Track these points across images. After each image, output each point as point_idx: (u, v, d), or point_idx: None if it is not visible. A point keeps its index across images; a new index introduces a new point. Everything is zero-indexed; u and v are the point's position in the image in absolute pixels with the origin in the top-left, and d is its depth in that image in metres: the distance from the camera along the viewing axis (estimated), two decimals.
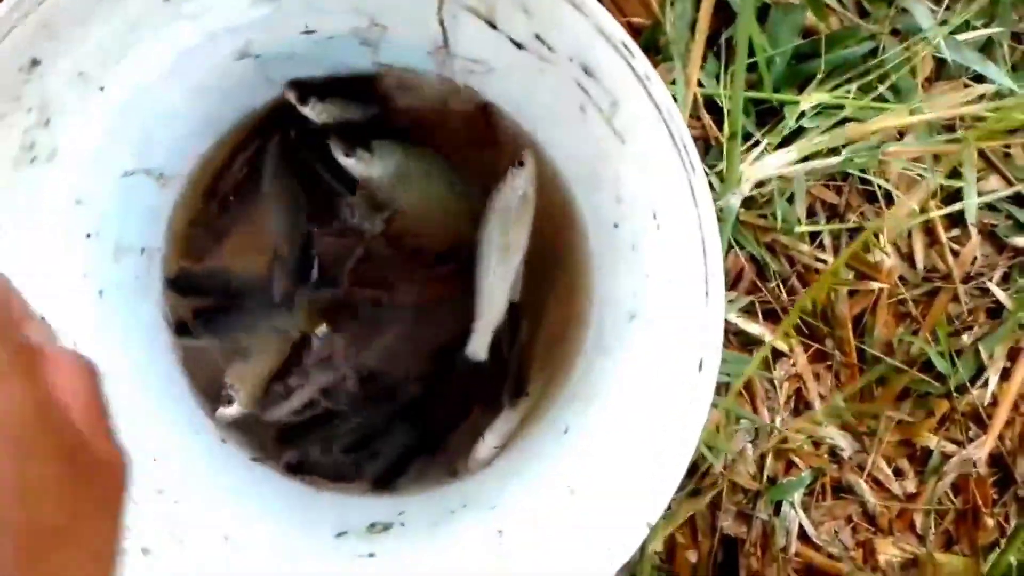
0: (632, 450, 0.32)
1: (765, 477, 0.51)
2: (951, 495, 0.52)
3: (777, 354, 0.53)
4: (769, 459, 0.52)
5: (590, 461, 0.35)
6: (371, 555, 0.38)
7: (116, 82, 0.35)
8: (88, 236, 0.38)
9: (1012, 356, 0.53)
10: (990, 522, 0.51)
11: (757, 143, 0.49)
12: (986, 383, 0.52)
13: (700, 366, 0.29)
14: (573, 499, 0.35)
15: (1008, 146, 0.54)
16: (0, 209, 0.32)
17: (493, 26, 0.35)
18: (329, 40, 0.40)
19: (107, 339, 0.39)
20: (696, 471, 0.51)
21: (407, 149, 0.45)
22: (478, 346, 0.43)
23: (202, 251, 0.46)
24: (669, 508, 0.38)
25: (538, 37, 0.33)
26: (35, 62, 0.31)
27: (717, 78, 0.50)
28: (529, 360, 0.45)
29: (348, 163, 0.43)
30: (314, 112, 0.42)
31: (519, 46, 0.35)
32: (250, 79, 0.41)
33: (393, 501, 0.43)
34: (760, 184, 0.49)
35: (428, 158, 0.46)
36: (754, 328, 0.52)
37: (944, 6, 0.51)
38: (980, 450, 0.52)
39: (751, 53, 0.48)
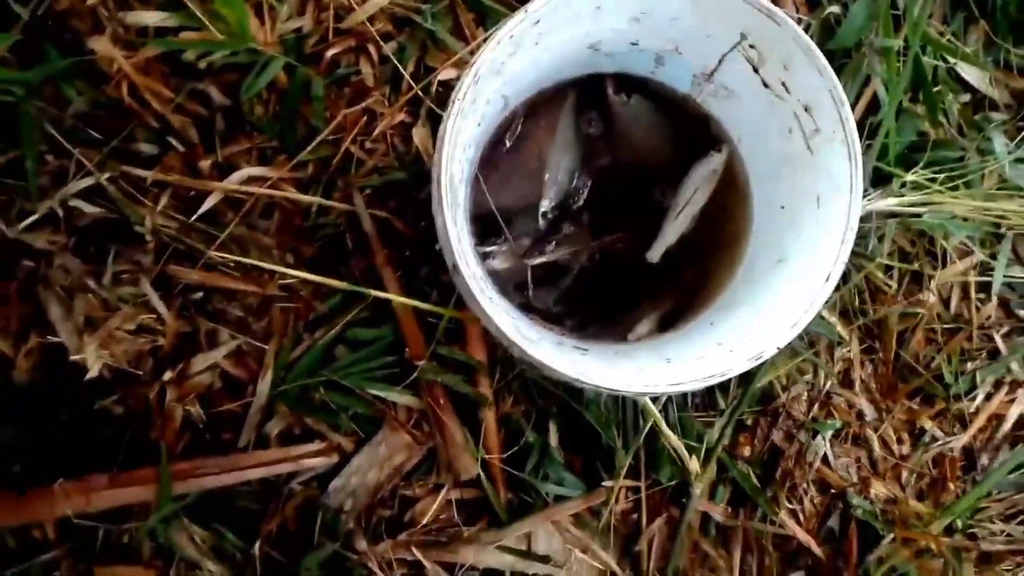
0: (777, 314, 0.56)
1: (811, 416, 0.75)
2: (930, 465, 0.76)
3: (840, 340, 0.77)
4: (816, 406, 0.76)
5: (732, 329, 0.60)
6: (584, 351, 0.62)
7: (527, 49, 0.60)
8: (479, 124, 0.63)
9: (996, 386, 0.76)
10: (952, 488, 0.75)
11: (868, 194, 0.74)
12: (974, 399, 0.76)
13: (827, 279, 0.54)
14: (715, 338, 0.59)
15: None
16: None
17: (756, 71, 0.60)
18: (640, 52, 0.66)
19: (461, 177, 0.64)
20: (768, 398, 0.75)
21: (645, 103, 0.70)
22: (656, 252, 0.68)
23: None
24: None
25: (783, 83, 0.58)
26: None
27: None
28: (688, 276, 0.69)
29: (614, 99, 0.68)
30: (617, 99, 0.68)
31: (766, 85, 0.60)
32: (584, 60, 0.67)
33: (584, 342, 0.68)
34: (864, 220, 0.74)
35: (656, 117, 0.71)
36: (832, 319, 0.76)
37: (1015, 142, 0.75)
38: (958, 441, 0.76)
39: (886, 136, 0.73)
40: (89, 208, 0.68)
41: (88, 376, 0.67)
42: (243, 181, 0.71)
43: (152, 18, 0.68)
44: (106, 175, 0.68)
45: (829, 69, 0.54)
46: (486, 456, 0.71)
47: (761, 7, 0.54)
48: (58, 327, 0.67)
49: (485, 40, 0.73)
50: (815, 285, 0.55)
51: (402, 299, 0.70)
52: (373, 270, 0.72)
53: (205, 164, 0.71)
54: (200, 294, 0.70)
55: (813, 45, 0.54)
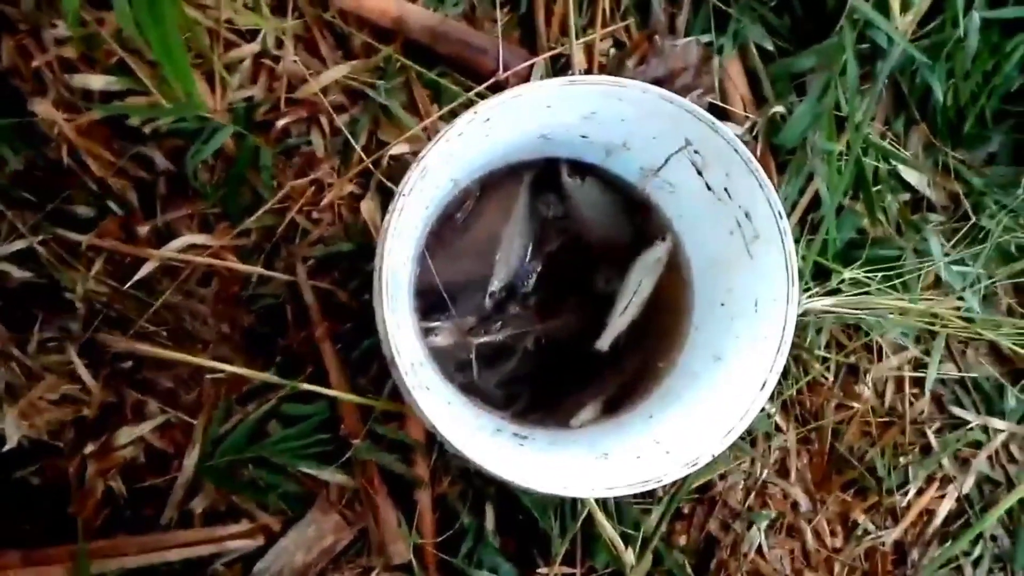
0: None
1: (747, 505, 0.75)
2: (862, 558, 0.76)
3: (776, 429, 0.78)
4: (752, 495, 0.76)
5: (670, 428, 0.60)
6: (522, 440, 0.62)
7: (477, 141, 0.60)
8: (427, 208, 0.63)
9: (928, 480, 0.78)
10: None
11: (808, 289, 0.75)
12: (906, 493, 0.77)
13: (762, 387, 0.54)
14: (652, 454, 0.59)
15: (964, 349, 0.80)
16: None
17: (700, 173, 0.61)
18: (591, 143, 0.66)
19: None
20: (705, 487, 0.75)
21: (597, 186, 0.70)
22: (605, 341, 0.68)
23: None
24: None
25: (726, 189, 0.59)
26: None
27: (797, 240, 0.76)
28: (631, 364, 0.69)
29: (568, 181, 0.69)
30: (571, 182, 0.68)
31: (709, 188, 0.61)
32: (535, 147, 0.67)
33: (524, 428, 0.67)
34: (803, 314, 0.75)
35: (608, 201, 0.71)
36: (770, 408, 0.77)
37: (952, 244, 0.77)
38: (889, 535, 0.76)
39: (826, 234, 0.75)
40: (18, 272, 0.66)
41: (6, 447, 0.64)
42: (182, 248, 0.69)
43: (98, 82, 0.67)
44: (39, 238, 0.66)
45: (768, 182, 0.55)
46: (419, 540, 0.70)
47: (703, 118, 0.55)
48: None
49: (441, 118, 0.74)
50: (750, 391, 0.55)
51: (337, 393, 0.68)
52: (312, 343, 0.71)
53: (143, 229, 0.69)
54: (129, 363, 0.68)
55: (753, 158, 0.55)
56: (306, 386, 0.68)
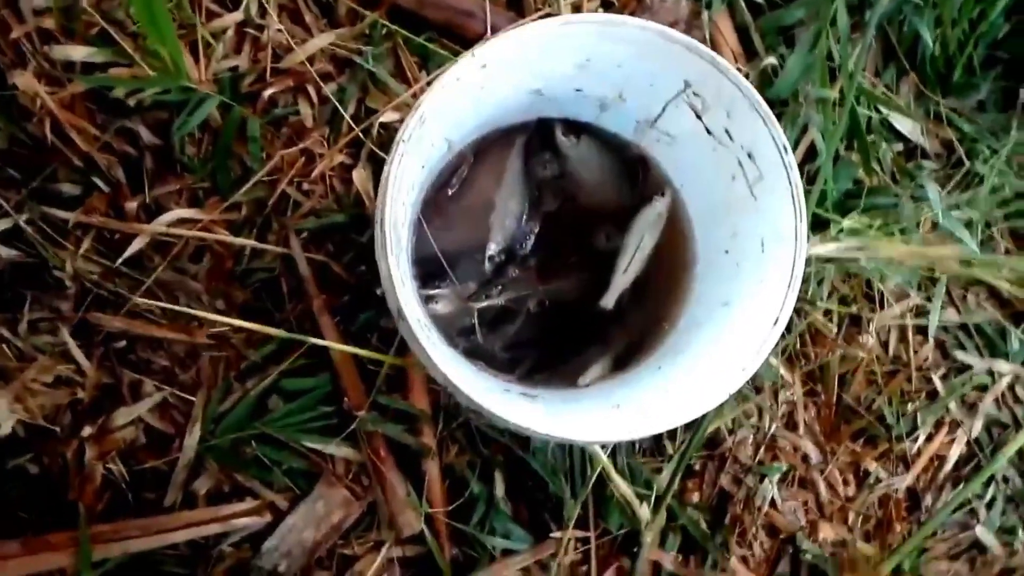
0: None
1: (757, 460, 0.75)
2: (876, 506, 0.76)
3: (783, 384, 0.77)
4: (762, 450, 0.75)
5: (682, 375, 0.59)
6: (532, 398, 0.61)
7: (473, 91, 0.59)
8: (423, 167, 0.62)
9: (936, 426, 0.77)
10: (898, 529, 0.75)
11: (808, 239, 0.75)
12: (916, 439, 0.77)
13: (775, 323, 0.54)
14: (667, 392, 0.58)
15: (965, 294, 0.80)
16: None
17: (699, 117, 0.60)
18: (584, 97, 0.66)
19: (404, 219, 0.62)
20: (714, 443, 0.75)
21: (594, 146, 0.70)
22: (609, 300, 0.67)
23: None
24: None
25: (727, 131, 0.58)
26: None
27: None
28: (636, 320, 0.69)
29: (563, 140, 0.68)
30: (565, 141, 0.67)
31: (709, 132, 0.60)
32: (527, 105, 0.66)
33: (532, 389, 0.66)
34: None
35: (604, 159, 0.70)
36: (773, 361, 0.76)
37: (946, 191, 0.77)
38: (902, 482, 0.76)
39: (823, 184, 0.75)
40: (5, 251, 0.64)
41: (0, 433, 0.62)
42: (172, 223, 0.68)
43: (79, 53, 0.65)
44: (24, 216, 0.65)
45: (772, 117, 0.54)
46: (429, 510, 0.69)
47: (705, 55, 0.55)
48: None
49: (430, 83, 0.73)
50: (763, 328, 0.55)
51: (341, 346, 0.67)
52: (309, 316, 0.69)
53: (132, 205, 0.67)
54: (123, 343, 0.67)
55: (756, 94, 0.54)
56: (314, 340, 0.66)
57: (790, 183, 0.54)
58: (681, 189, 0.68)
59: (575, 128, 0.70)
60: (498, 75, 0.57)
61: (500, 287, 0.67)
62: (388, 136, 0.73)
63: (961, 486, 0.76)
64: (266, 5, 0.72)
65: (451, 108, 0.58)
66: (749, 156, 0.58)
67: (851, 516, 0.75)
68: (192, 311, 0.66)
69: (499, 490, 0.70)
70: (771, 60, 0.74)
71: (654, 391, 0.59)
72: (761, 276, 0.58)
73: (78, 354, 0.65)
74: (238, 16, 0.71)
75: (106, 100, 0.67)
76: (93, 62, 0.66)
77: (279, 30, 0.72)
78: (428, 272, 0.67)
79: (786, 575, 0.73)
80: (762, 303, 0.57)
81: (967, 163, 0.77)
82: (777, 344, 0.70)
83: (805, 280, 0.75)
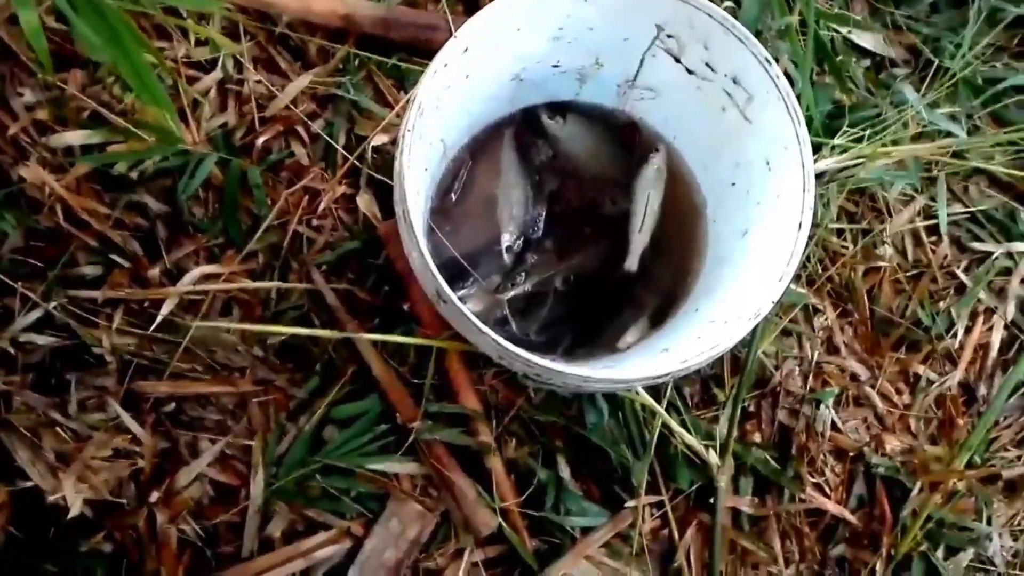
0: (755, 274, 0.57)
1: (808, 388, 0.75)
2: (934, 407, 0.76)
3: (815, 311, 0.78)
4: (810, 378, 0.76)
5: (720, 305, 0.60)
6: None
7: (460, 82, 0.61)
8: (425, 169, 0.63)
9: (972, 318, 0.78)
10: (960, 424, 0.75)
11: None
12: (955, 334, 0.78)
13: (799, 227, 0.55)
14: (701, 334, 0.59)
15: (966, 185, 0.82)
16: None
17: (677, 60, 0.62)
18: (563, 74, 0.68)
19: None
20: (763, 382, 0.75)
21: (581, 122, 0.72)
22: (632, 262, 0.68)
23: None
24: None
25: (707, 64, 0.61)
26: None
27: None
28: (663, 276, 0.70)
29: (549, 123, 0.70)
30: (552, 123, 0.69)
31: (690, 72, 0.63)
32: (510, 94, 0.69)
33: (577, 362, 0.67)
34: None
35: (593, 131, 0.72)
36: (800, 290, 0.77)
37: (922, 92, 0.80)
38: (953, 379, 0.77)
39: (806, 109, 0.77)
40: (42, 339, 0.65)
41: (70, 515, 0.62)
42: (195, 282, 0.69)
43: (76, 137, 0.67)
44: (53, 303, 0.66)
45: (750, 35, 0.56)
46: (502, 505, 0.68)
47: None
48: (29, 470, 0.63)
49: (411, 100, 0.75)
50: (789, 235, 0.56)
51: (375, 336, 0.68)
52: (346, 343, 0.70)
53: (154, 273, 0.69)
54: (172, 406, 0.67)
55: (730, 17, 0.56)
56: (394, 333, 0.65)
57: (780, 92, 0.56)
58: (674, 140, 0.70)
59: (559, 109, 0.72)
60: (480, 59, 0.59)
61: (524, 273, 0.69)
62: (382, 159, 0.75)
63: (1011, 370, 0.77)
64: (241, 60, 0.74)
65: (443, 101, 0.60)
66: (735, 82, 0.60)
67: (912, 422, 0.75)
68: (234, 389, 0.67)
69: (565, 472, 0.71)
70: (728, 3, 0.77)
71: (697, 330, 0.60)
72: (775, 192, 0.59)
73: (131, 424, 0.65)
74: (217, 75, 0.73)
75: (110, 178, 0.69)
76: (91, 144, 0.68)
77: (258, 81, 0.74)
78: (451, 276, 0.68)
79: (863, 494, 0.73)
80: (781, 217, 0.58)
81: (935, 60, 0.79)
82: (798, 272, 0.72)
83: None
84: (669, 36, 0.60)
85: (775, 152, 0.59)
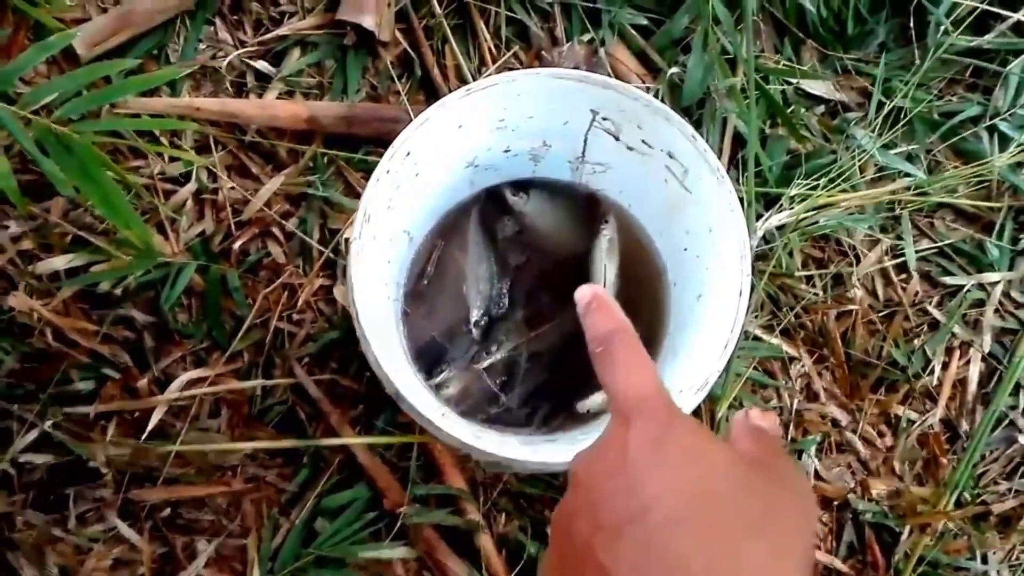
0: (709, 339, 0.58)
1: (790, 437, 0.76)
2: (918, 447, 0.76)
3: (791, 359, 0.79)
4: (791, 427, 0.77)
5: (679, 373, 0.62)
6: (552, 441, 0.63)
7: (410, 181, 0.64)
8: (389, 262, 0.66)
9: (948, 353, 0.79)
10: (945, 462, 0.75)
11: (763, 216, 0.78)
12: (932, 371, 0.78)
13: (739, 293, 0.56)
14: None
15: (931, 221, 0.83)
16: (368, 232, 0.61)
17: (617, 138, 0.65)
18: (515, 157, 0.70)
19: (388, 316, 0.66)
20: None
21: (544, 196, 0.74)
22: None
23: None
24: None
25: (644, 141, 0.63)
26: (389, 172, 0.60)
27: (737, 181, 0.80)
28: None
29: (514, 200, 0.72)
30: (517, 200, 0.72)
31: (630, 148, 0.65)
32: (468, 179, 0.71)
33: (552, 434, 0.68)
34: (768, 242, 0.77)
35: (556, 204, 0.75)
36: (774, 341, 0.78)
37: (877, 132, 0.81)
38: (934, 416, 0.77)
39: (758, 164, 0.78)
40: (40, 458, 0.68)
41: None
42: (183, 387, 0.72)
43: (61, 262, 0.71)
44: (49, 422, 0.69)
45: (674, 115, 0.58)
46: None
47: (598, 82, 0.60)
48: None
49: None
50: (731, 303, 0.57)
51: (358, 440, 0.70)
52: (331, 433, 0.73)
53: (143, 383, 0.72)
54: (168, 511, 0.70)
55: (652, 100, 0.59)
56: (328, 442, 0.68)
57: (709, 165, 0.58)
58: (630, 207, 0.72)
59: (521, 186, 0.75)
60: (427, 158, 0.62)
61: (495, 344, 0.71)
62: None
63: (991, 404, 0.77)
64: (214, 170, 0.78)
65: (396, 201, 0.63)
66: (670, 156, 0.62)
67: (896, 464, 0.76)
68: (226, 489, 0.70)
69: None
70: (674, 70, 0.79)
71: None
72: (719, 258, 0.61)
73: (129, 533, 0.68)
74: (192, 187, 0.77)
75: (95, 296, 0.72)
76: (75, 266, 0.72)
77: (232, 188, 0.78)
78: (430, 362, 0.70)
79: (853, 541, 0.73)
80: (727, 281, 0.59)
81: (887, 102, 0.81)
82: (771, 323, 0.73)
83: (775, 256, 0.78)
84: (604, 119, 0.63)
85: (715, 219, 0.60)
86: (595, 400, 0.67)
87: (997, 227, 0.82)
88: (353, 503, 0.71)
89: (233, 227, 0.77)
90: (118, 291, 0.73)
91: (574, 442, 0.64)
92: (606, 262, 0.71)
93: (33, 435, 0.69)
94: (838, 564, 0.71)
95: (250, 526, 0.70)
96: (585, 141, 0.67)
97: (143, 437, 0.70)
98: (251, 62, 0.82)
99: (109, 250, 0.72)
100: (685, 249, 0.66)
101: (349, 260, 0.56)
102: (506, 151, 0.69)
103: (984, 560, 0.72)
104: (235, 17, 0.83)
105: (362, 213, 0.56)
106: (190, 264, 0.74)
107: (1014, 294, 0.80)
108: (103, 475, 0.69)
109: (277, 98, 0.81)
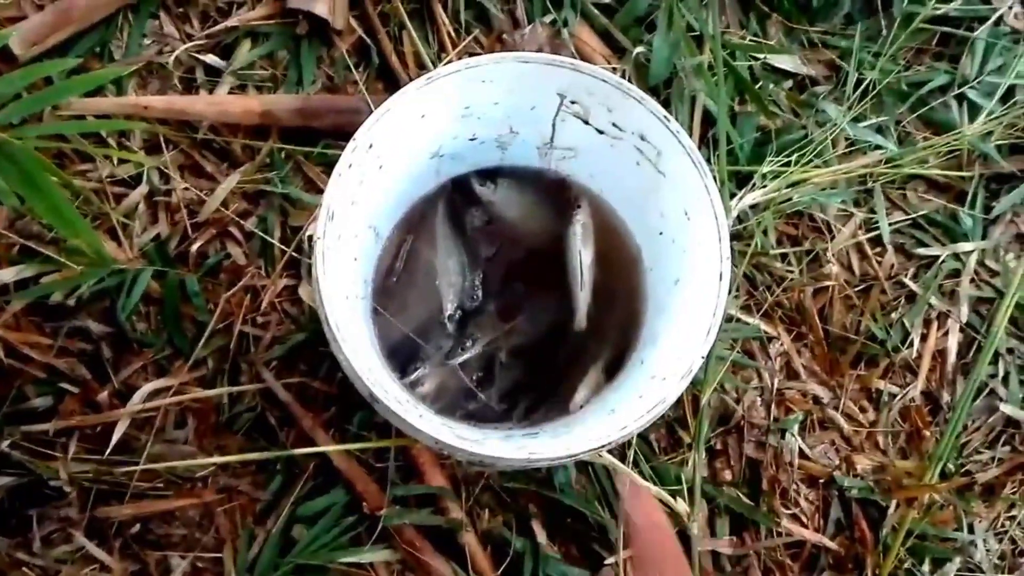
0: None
1: (772, 418, 0.75)
2: (900, 421, 0.76)
3: (769, 338, 0.78)
4: (772, 407, 0.76)
5: (661, 360, 0.60)
6: (534, 435, 0.61)
7: (373, 175, 0.62)
8: (355, 259, 0.64)
9: (926, 325, 0.78)
10: (928, 435, 0.75)
11: (736, 195, 0.77)
12: (911, 344, 0.77)
13: (720, 277, 0.55)
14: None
15: (904, 193, 0.82)
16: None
17: (586, 122, 0.63)
18: (481, 145, 0.68)
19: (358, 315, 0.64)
20: (726, 417, 0.75)
21: (513, 185, 0.72)
22: (580, 320, 0.69)
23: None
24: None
25: (614, 124, 0.61)
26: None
27: (708, 160, 0.78)
28: (611, 324, 0.70)
29: (481, 190, 0.70)
30: (484, 190, 0.70)
31: (600, 132, 0.63)
32: (434, 169, 0.69)
33: (533, 428, 0.67)
34: (742, 221, 0.76)
35: (525, 192, 0.73)
36: (751, 320, 0.77)
37: (848, 106, 0.80)
38: (915, 389, 0.76)
39: (729, 143, 0.77)
40: None
41: None
42: (146, 398, 0.69)
43: (8, 274, 0.68)
44: (7, 442, 0.66)
45: (647, 97, 0.57)
46: None
47: (565, 64, 0.58)
48: None
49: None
50: (711, 288, 0.56)
51: (336, 447, 0.68)
52: (304, 437, 0.70)
53: (103, 396, 0.69)
54: (137, 527, 0.67)
55: (623, 81, 0.57)
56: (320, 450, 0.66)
57: (683, 147, 0.56)
58: (601, 193, 0.71)
59: (489, 174, 0.73)
60: (390, 150, 0.60)
61: (470, 339, 0.69)
62: None
63: (971, 373, 0.76)
64: (166, 170, 0.75)
65: (360, 195, 0.60)
66: (642, 138, 0.60)
67: (880, 439, 0.75)
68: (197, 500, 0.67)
69: (541, 537, 0.70)
70: (640, 49, 0.77)
71: (641, 387, 0.60)
72: (695, 241, 0.59)
73: (98, 552, 0.65)
74: (143, 189, 0.74)
75: (47, 308, 0.69)
76: (24, 278, 0.69)
77: (186, 188, 0.75)
78: (403, 360, 0.68)
79: (840, 518, 0.73)
80: (705, 265, 0.58)
81: (855, 74, 0.80)
82: (748, 303, 0.72)
83: (749, 235, 0.77)
84: (572, 102, 0.61)
85: (691, 202, 0.59)
86: (583, 393, 0.66)
87: (969, 196, 0.81)
88: (331, 508, 0.69)
89: (189, 229, 0.74)
90: (71, 302, 0.70)
91: (556, 435, 0.62)
92: (581, 248, 0.69)
93: None
94: (826, 542, 0.71)
95: (225, 538, 0.68)
96: (553, 126, 0.65)
97: (107, 452, 0.67)
98: (200, 56, 0.79)
99: (59, 259, 0.69)
100: (660, 233, 0.65)
101: (314, 260, 0.54)
102: (472, 139, 0.67)
103: (971, 530, 0.72)
104: (180, 9, 0.79)
105: (325, 210, 0.54)
106: (146, 270, 0.71)
107: (988, 262, 0.79)
108: (67, 494, 0.66)
109: (229, 93, 0.78)
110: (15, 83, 0.60)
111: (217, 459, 0.68)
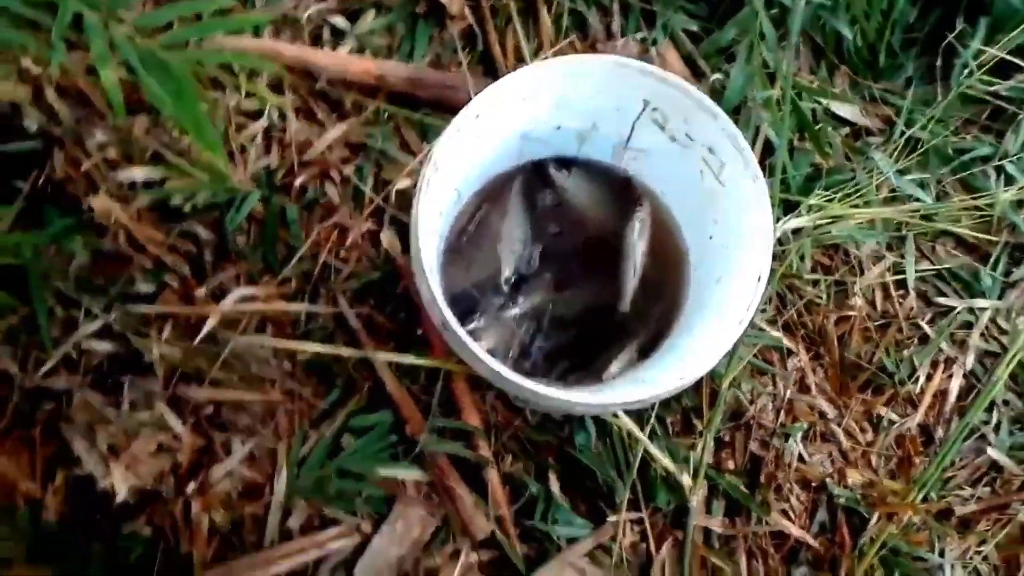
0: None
1: (779, 423, 0.83)
2: (894, 446, 0.84)
3: (790, 352, 0.86)
4: (781, 413, 0.84)
5: (694, 345, 0.68)
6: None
7: (471, 142, 0.71)
8: (440, 214, 0.73)
9: (933, 366, 0.86)
10: (917, 463, 0.82)
11: (781, 220, 0.85)
12: (917, 380, 0.85)
13: (758, 279, 0.63)
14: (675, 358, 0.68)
15: (933, 245, 0.90)
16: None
17: (662, 128, 0.72)
18: (563, 133, 0.77)
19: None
20: (738, 415, 0.83)
21: (585, 176, 0.81)
22: (625, 303, 0.77)
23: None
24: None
25: (687, 134, 0.70)
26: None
27: None
28: (652, 312, 0.78)
29: (557, 175, 0.79)
30: (558, 175, 0.79)
31: (673, 139, 0.72)
32: (517, 149, 0.78)
33: (568, 387, 0.75)
34: (782, 244, 0.84)
35: (594, 184, 0.81)
36: (775, 333, 0.85)
37: (895, 158, 0.88)
38: (913, 420, 0.84)
39: (783, 172, 0.85)
40: (101, 346, 0.75)
41: (117, 501, 0.72)
42: (236, 301, 0.78)
43: (140, 174, 0.78)
44: (113, 315, 0.76)
45: (722, 113, 0.65)
46: (496, 513, 0.77)
47: (657, 75, 0.66)
48: (84, 459, 0.72)
49: (426, 155, 0.85)
50: (751, 286, 0.64)
51: (394, 355, 0.77)
52: (365, 362, 0.79)
53: (200, 293, 0.78)
54: (210, 409, 0.77)
55: (705, 96, 0.65)
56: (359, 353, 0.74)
57: (746, 165, 0.65)
58: (663, 195, 0.79)
59: (565, 163, 0.82)
60: (490, 123, 0.69)
61: (523, 298, 0.77)
62: (404, 201, 0.85)
63: (967, 415, 0.84)
64: (285, 111, 0.84)
65: (456, 159, 0.69)
66: (710, 151, 0.69)
67: (873, 459, 0.83)
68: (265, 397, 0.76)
69: (555, 487, 0.79)
70: (717, 76, 0.86)
71: (672, 364, 0.69)
72: (745, 247, 0.68)
73: (174, 423, 0.75)
74: (263, 123, 0.84)
75: (166, 209, 0.79)
76: (152, 179, 0.79)
77: (298, 129, 0.84)
78: (462, 311, 0.77)
79: (825, 520, 0.80)
80: (747, 269, 0.66)
81: (907, 131, 0.88)
82: (776, 318, 0.80)
83: (787, 257, 0.85)
84: (655, 109, 0.70)
85: (745, 214, 0.67)
86: (616, 366, 0.74)
87: (993, 258, 0.89)
88: (378, 425, 0.78)
89: (296, 165, 0.84)
90: (187, 208, 0.80)
91: (591, 393, 0.71)
92: (637, 241, 0.78)
93: (97, 325, 0.75)
94: (809, 539, 0.78)
95: (282, 434, 0.77)
96: (632, 128, 0.74)
97: (196, 341, 0.77)
98: (329, 18, 0.89)
99: (185, 168, 0.79)
100: (711, 237, 0.73)
101: (417, 198, 0.63)
102: (558, 128, 0.76)
103: (941, 554, 0.79)
104: None
105: (432, 162, 0.63)
106: (254, 192, 0.81)
107: (1000, 321, 0.87)
108: (156, 369, 0.76)
109: (349, 53, 0.88)
110: (171, 14, 0.70)
111: (295, 344, 0.78)
